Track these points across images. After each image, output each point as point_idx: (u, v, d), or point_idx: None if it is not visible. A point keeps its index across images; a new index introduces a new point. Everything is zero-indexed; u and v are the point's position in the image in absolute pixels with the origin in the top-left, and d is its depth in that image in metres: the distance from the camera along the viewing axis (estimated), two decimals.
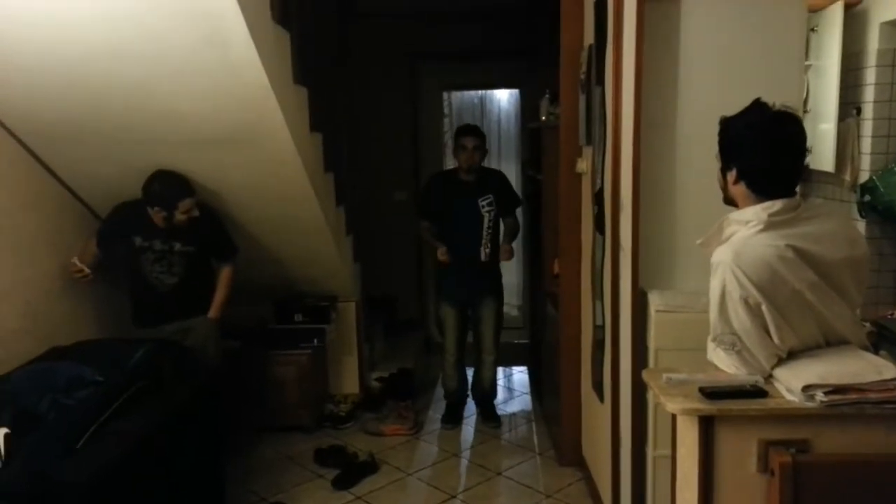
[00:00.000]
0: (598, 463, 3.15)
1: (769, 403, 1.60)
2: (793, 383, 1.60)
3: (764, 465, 1.59)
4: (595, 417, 3.18)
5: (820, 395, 1.56)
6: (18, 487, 2.11)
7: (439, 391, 4.58)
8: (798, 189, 1.79)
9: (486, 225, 3.92)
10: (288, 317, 4.14)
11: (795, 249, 1.65)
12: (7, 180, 2.89)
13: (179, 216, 3.20)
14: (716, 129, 1.89)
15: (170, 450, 2.64)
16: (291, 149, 3.03)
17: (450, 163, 5.66)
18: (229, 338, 3.76)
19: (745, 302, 1.65)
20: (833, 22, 2.96)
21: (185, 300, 3.38)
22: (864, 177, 2.95)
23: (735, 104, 1.79)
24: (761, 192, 1.72)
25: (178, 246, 3.31)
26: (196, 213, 3.25)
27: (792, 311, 1.67)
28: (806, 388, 1.57)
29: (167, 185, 3.18)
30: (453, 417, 4.18)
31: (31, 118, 2.87)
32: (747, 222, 1.71)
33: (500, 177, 4.16)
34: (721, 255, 1.70)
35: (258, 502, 3.28)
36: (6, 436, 2.26)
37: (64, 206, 3.28)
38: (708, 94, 2.45)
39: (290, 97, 2.99)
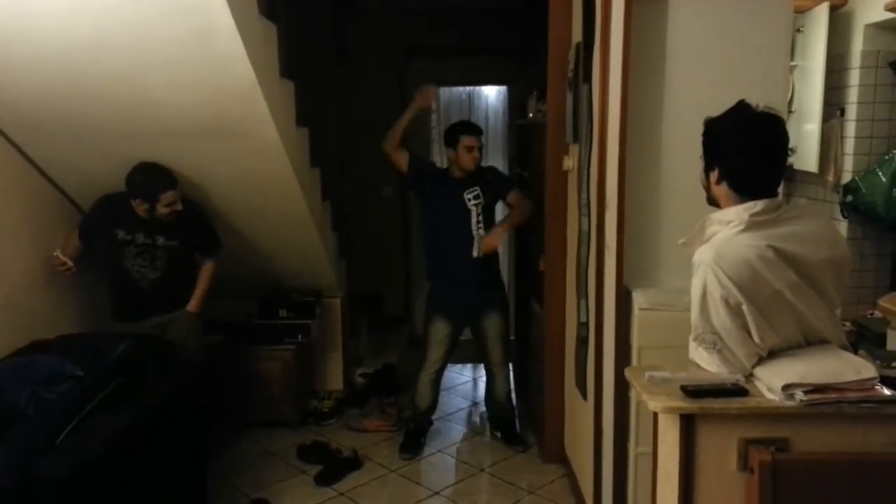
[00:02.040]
0: (580, 460, 3.16)
1: (750, 402, 1.61)
2: (773, 382, 1.62)
3: (744, 464, 1.60)
4: (578, 415, 3.19)
5: (800, 395, 1.57)
6: (0, 481, 2.09)
7: None
8: (780, 190, 1.80)
9: (474, 220, 3.63)
10: (272, 312, 4.12)
11: (776, 250, 1.66)
12: None
13: (161, 209, 3.17)
14: (701, 128, 1.91)
15: (151, 445, 2.62)
16: (277, 143, 3.01)
17: (436, 158, 5.65)
18: (212, 332, 3.74)
19: (726, 301, 1.66)
20: (818, 23, 2.98)
21: (167, 295, 3.36)
22: (846, 177, 2.97)
23: (721, 103, 1.81)
24: (743, 192, 1.73)
25: (161, 240, 3.28)
26: (179, 206, 3.21)
27: (772, 310, 1.68)
28: (786, 388, 1.58)
29: (149, 176, 3.15)
30: (414, 445, 3.77)
31: (14, 109, 2.83)
32: (729, 222, 1.72)
33: (488, 168, 3.87)
34: (702, 255, 1.71)
35: (240, 498, 3.26)
36: None
37: (46, 198, 3.24)
38: (694, 93, 2.46)
39: (276, 90, 2.96)
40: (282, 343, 4.02)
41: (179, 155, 3.14)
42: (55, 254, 3.18)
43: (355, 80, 5.23)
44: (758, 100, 1.76)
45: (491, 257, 3.71)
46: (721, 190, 1.77)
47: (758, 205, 1.69)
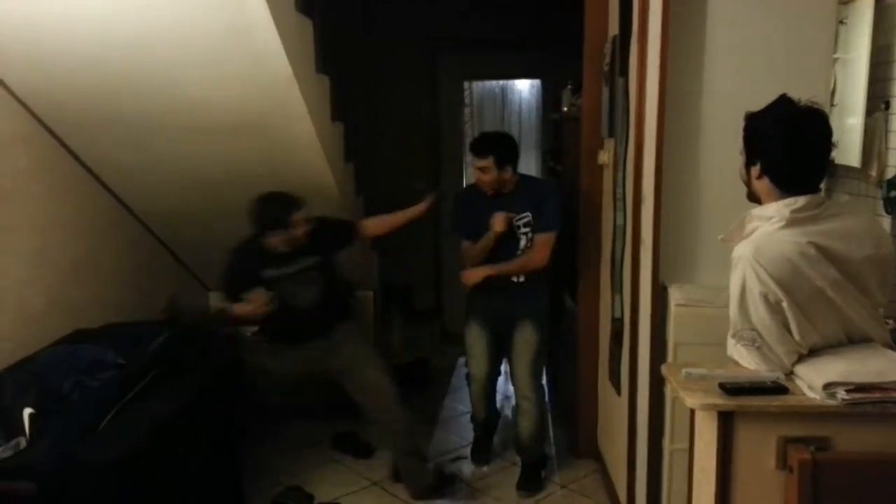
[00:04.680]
0: (613, 455, 3.15)
1: (789, 400, 1.59)
2: (814, 381, 1.59)
3: (783, 462, 1.59)
4: (612, 410, 3.17)
5: (841, 393, 1.55)
6: (44, 466, 2.15)
7: (455, 381, 4.59)
8: (823, 186, 1.77)
9: (522, 247, 3.24)
10: None
11: (818, 246, 1.63)
12: (33, 165, 2.92)
13: (296, 231, 3.02)
14: (741, 122, 1.88)
15: (189, 432, 2.68)
16: (313, 138, 3.05)
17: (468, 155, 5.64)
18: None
19: (765, 298, 1.64)
20: (863, 14, 2.90)
21: (330, 309, 3.25)
22: (890, 172, 2.90)
23: (761, 97, 1.78)
24: (785, 187, 1.70)
25: (308, 261, 3.13)
26: (309, 225, 3.06)
27: (813, 308, 1.65)
28: (827, 386, 1.56)
29: (275, 204, 3.02)
30: (482, 452, 3.61)
31: (58, 106, 2.89)
32: (769, 218, 1.70)
33: (542, 190, 3.33)
34: (742, 251, 1.69)
35: (275, 486, 3.32)
36: (31, 416, 2.30)
37: (89, 191, 3.31)
38: (734, 86, 2.42)
39: (312, 86, 2.99)
40: None
41: (216, 151, 3.19)
42: (239, 310, 3.02)
43: (387, 75, 5.24)
44: (799, 93, 1.74)
45: (531, 277, 3.29)
46: (762, 185, 1.74)
47: (799, 201, 1.67)
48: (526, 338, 3.28)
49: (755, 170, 1.75)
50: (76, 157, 3.19)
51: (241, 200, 3.50)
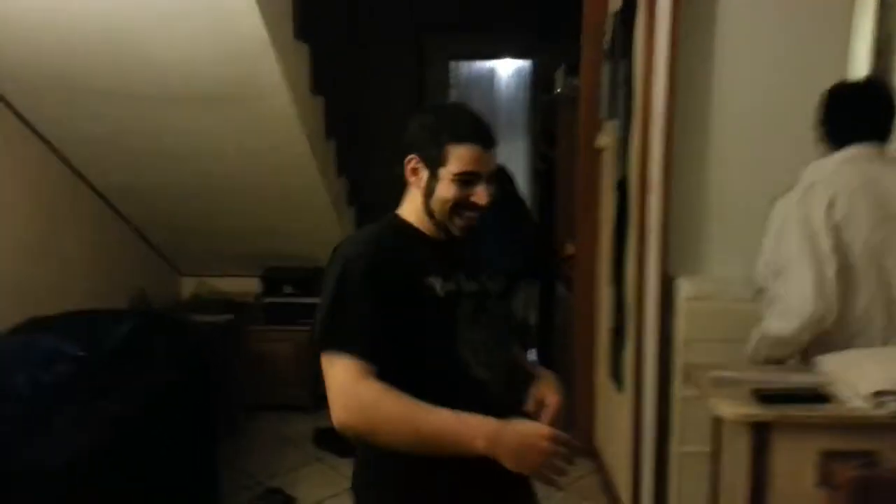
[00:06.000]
0: (614, 455, 2.99)
1: (833, 410, 1.43)
2: (860, 387, 1.43)
3: (824, 479, 1.42)
4: (611, 407, 3.01)
5: (893, 404, 1.38)
6: None
7: None
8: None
9: None
10: (276, 289, 3.94)
11: (872, 181, 1.65)
12: None
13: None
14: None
15: (157, 430, 2.46)
16: (290, 110, 2.82)
17: None
18: (224, 311, 3.58)
19: (805, 222, 1.64)
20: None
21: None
22: None
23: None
24: (835, 143, 1.74)
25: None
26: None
27: (851, 254, 1.62)
28: (878, 394, 1.40)
29: None
30: None
31: (9, 70, 2.63)
32: (824, 166, 1.72)
33: None
34: (799, 185, 1.71)
35: (254, 486, 3.10)
36: None
37: (46, 165, 3.04)
38: (748, 68, 2.26)
39: (290, 52, 2.76)
40: (295, 323, 3.84)
41: (184, 122, 2.93)
42: None
43: (371, 56, 4.99)
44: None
45: None
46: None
47: (851, 149, 1.69)
48: None
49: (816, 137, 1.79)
50: (32, 129, 2.93)
51: (213, 176, 3.28)
